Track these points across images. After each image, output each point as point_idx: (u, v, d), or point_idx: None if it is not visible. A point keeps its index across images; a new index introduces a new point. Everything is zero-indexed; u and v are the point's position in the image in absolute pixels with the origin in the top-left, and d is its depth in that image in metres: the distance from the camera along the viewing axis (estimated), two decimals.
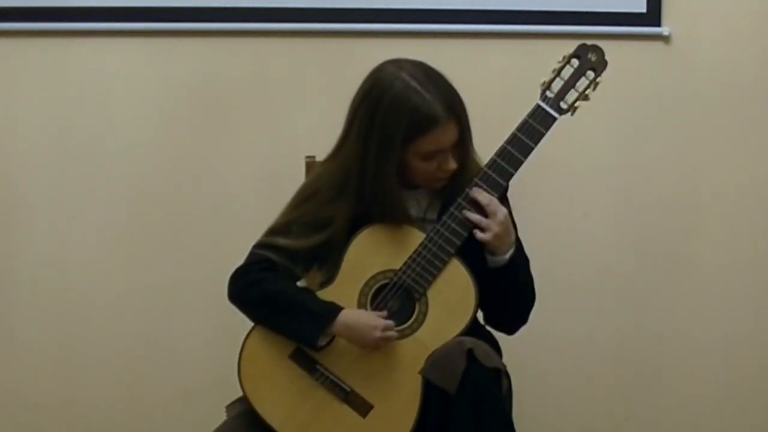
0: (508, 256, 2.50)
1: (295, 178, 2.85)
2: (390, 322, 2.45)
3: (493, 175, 2.48)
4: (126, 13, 3.36)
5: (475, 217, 2.48)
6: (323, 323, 2.45)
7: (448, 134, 2.44)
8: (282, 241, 2.52)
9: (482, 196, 2.48)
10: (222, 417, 2.57)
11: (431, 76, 2.46)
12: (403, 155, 2.45)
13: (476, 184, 2.48)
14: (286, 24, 3.39)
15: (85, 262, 3.42)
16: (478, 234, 2.47)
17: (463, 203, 2.47)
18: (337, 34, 3.40)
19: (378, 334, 2.43)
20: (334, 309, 2.46)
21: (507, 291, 2.54)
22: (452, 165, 2.48)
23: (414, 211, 2.55)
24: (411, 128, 2.41)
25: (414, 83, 2.42)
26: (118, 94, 3.40)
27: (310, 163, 2.90)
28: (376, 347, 2.45)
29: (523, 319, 2.60)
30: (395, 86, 2.42)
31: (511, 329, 2.62)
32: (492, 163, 2.48)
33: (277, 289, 2.49)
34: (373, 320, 2.45)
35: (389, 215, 2.49)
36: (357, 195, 2.49)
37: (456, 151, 2.48)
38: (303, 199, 2.56)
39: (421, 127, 2.41)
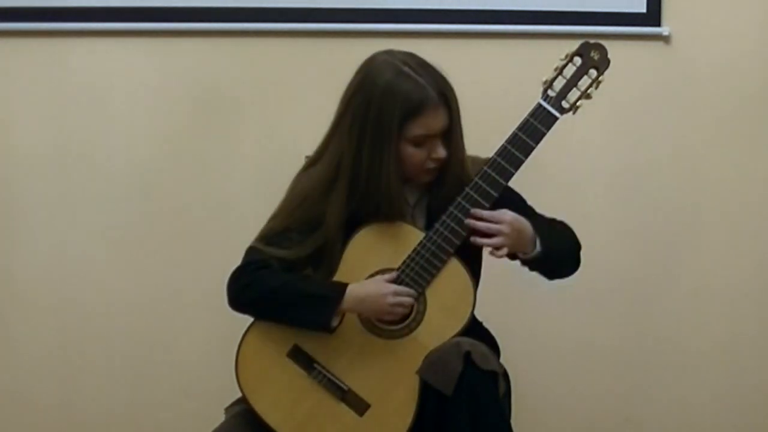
0: (539, 249, 2.49)
1: None
2: (401, 288, 2.44)
3: (493, 174, 2.46)
4: (125, 13, 3.36)
5: (484, 241, 2.44)
6: (332, 304, 2.43)
7: (438, 119, 2.44)
8: (278, 252, 2.50)
9: (481, 214, 2.45)
10: (221, 418, 2.56)
11: (423, 64, 2.47)
12: (396, 143, 2.44)
13: (475, 185, 2.47)
14: (286, 24, 3.40)
15: (84, 263, 3.42)
16: (496, 253, 2.45)
17: (463, 203, 2.46)
18: (337, 34, 3.40)
19: (391, 300, 2.42)
20: (340, 287, 2.45)
21: (552, 271, 2.58)
22: (441, 153, 2.47)
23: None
24: (404, 111, 2.42)
25: (406, 69, 2.44)
26: (118, 94, 3.40)
27: None
28: (392, 314, 2.44)
29: (577, 267, 2.63)
30: (388, 73, 2.44)
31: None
32: (492, 162, 2.47)
33: (277, 283, 2.47)
34: (383, 287, 2.44)
35: (388, 208, 2.47)
36: (349, 191, 2.47)
37: (445, 139, 2.48)
38: (295, 206, 2.54)
39: (412, 110, 2.42)
